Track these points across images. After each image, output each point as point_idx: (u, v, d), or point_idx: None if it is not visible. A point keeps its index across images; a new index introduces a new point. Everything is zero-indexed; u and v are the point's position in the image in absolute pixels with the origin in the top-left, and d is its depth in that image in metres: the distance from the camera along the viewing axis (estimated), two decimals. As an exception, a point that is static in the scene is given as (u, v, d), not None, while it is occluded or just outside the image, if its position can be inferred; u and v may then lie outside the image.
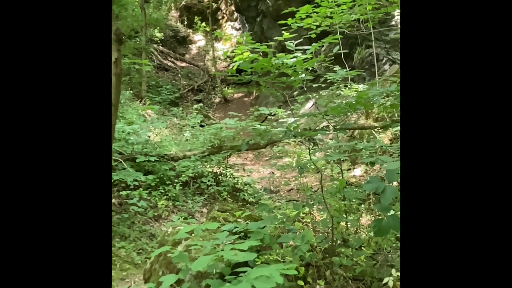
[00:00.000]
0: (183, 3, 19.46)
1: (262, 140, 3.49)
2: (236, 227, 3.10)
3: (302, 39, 4.17)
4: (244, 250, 2.01)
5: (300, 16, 5.24)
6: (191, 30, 19.32)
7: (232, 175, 7.09)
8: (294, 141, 8.58)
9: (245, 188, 6.84)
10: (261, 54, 3.83)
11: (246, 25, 16.49)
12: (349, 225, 3.61)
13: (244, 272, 2.24)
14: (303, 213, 3.93)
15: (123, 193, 5.15)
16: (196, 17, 18.97)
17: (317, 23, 5.73)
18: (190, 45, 19.06)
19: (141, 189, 5.35)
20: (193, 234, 3.05)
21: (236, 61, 3.80)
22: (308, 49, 3.74)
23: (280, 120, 6.81)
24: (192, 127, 9.72)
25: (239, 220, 3.64)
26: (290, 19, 5.10)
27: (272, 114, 7.42)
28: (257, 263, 2.32)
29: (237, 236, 2.51)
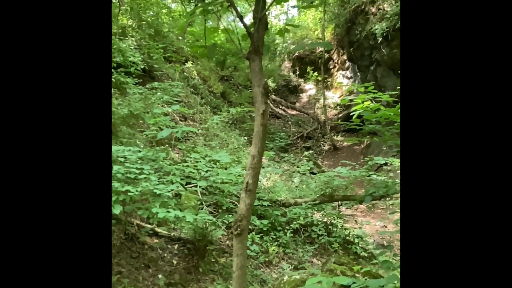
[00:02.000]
0: (296, 54, 20.30)
1: (387, 191, 3.33)
2: (354, 283, 2.95)
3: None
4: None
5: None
6: (302, 79, 19.95)
7: (343, 226, 6.86)
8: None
9: (357, 241, 6.54)
10: (382, 103, 3.76)
11: (358, 73, 16.46)
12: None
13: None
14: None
15: (237, 235, 5.30)
16: (308, 67, 19.57)
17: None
18: (300, 94, 19.62)
19: (253, 233, 5.46)
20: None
21: (356, 110, 3.78)
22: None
23: (398, 171, 6.48)
24: (302, 174, 9.77)
25: (357, 275, 3.47)
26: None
27: (388, 164, 7.11)
28: (385, 326, 2.15)
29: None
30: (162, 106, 6.90)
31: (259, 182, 7.21)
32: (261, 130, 1.51)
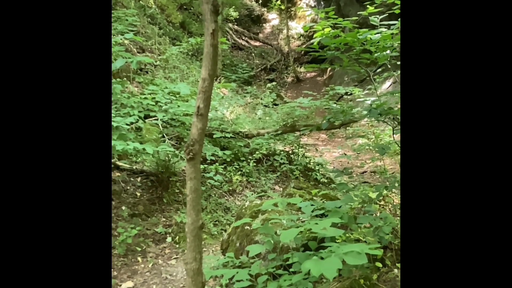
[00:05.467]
0: (259, -19, 19.39)
1: (344, 118, 3.39)
2: (312, 205, 3.09)
3: (386, 14, 3.97)
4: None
5: (385, -10, 4.96)
6: (265, 9, 19.27)
7: (304, 154, 7.06)
8: (369, 122, 8.30)
9: (317, 168, 6.79)
10: (343, 30, 3.71)
11: (322, 2, 16.03)
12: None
13: (325, 247, 2.23)
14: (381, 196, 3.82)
15: (201, 166, 5.36)
16: (271, -5, 18.84)
17: (403, -3, 5.39)
18: (264, 24, 19.05)
19: (217, 164, 5.53)
20: (269, 208, 3.08)
21: (317, 37, 3.71)
22: (394, 24, 3.55)
23: (358, 100, 6.61)
24: (265, 106, 9.79)
25: (315, 198, 3.63)
26: (374, -7, 4.84)
27: (348, 93, 7.21)
28: (337, 241, 2.30)
29: (321, 212, 2.50)
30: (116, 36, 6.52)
31: (222, 114, 7.19)
32: (211, 51, 1.45)
